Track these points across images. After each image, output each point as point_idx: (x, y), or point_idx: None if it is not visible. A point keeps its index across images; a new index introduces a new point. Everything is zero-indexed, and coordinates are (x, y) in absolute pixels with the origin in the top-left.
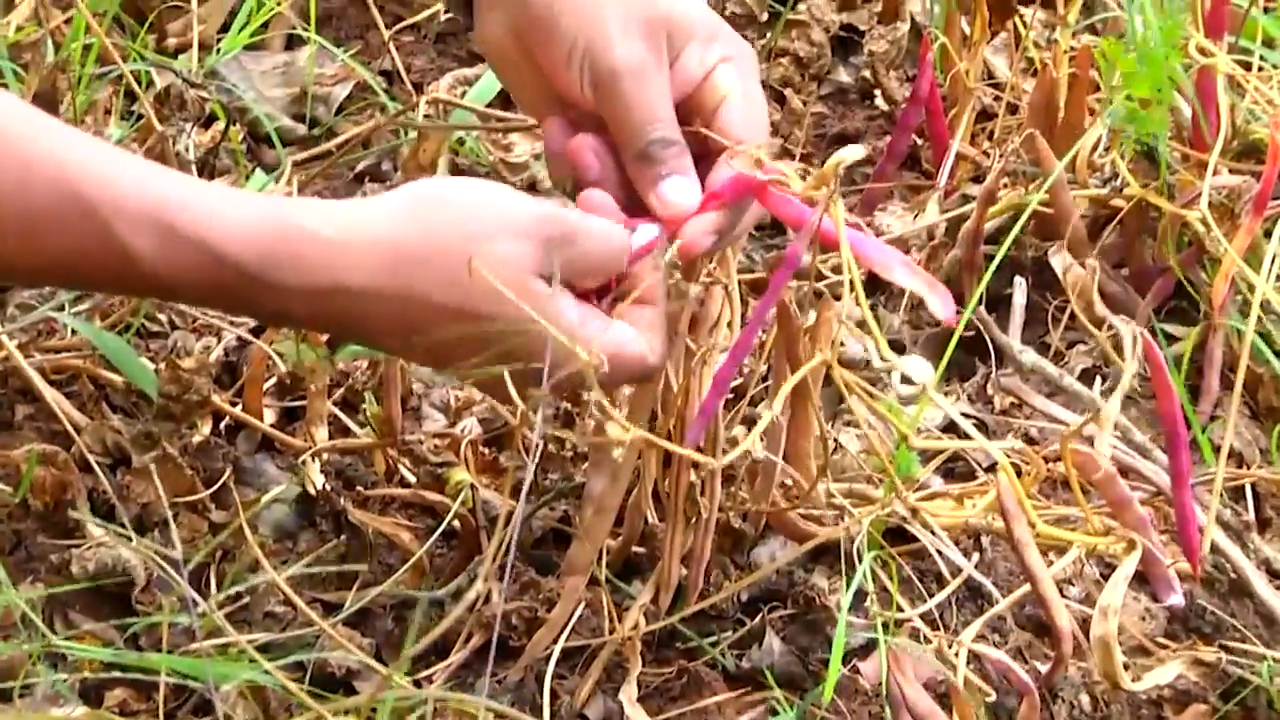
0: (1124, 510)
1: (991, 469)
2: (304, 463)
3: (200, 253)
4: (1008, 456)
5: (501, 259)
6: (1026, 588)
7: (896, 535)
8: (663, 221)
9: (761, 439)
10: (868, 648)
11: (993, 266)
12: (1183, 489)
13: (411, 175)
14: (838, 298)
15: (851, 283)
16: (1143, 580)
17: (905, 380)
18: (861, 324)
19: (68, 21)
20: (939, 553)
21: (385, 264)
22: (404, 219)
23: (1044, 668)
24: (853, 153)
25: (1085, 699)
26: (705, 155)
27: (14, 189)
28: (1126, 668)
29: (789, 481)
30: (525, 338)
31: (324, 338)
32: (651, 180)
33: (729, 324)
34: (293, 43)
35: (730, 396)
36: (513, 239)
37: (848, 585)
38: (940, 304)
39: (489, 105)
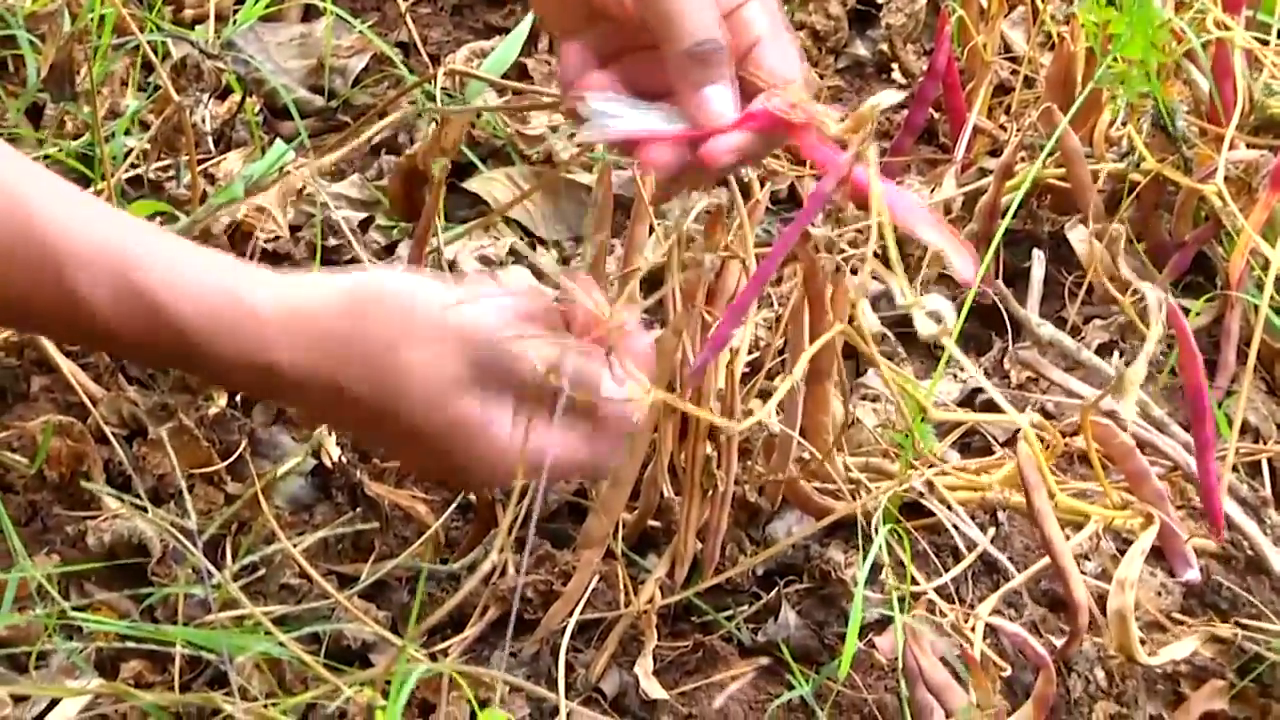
0: (1142, 484)
1: (1007, 444)
2: (320, 435)
3: (149, 314)
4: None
5: (425, 365)
6: (1043, 563)
7: (913, 510)
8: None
9: (779, 410)
10: (883, 622)
11: (997, 238)
12: (1207, 455)
13: (431, 156)
14: (854, 271)
15: (880, 228)
16: (1159, 556)
17: (931, 317)
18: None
19: None
20: (955, 527)
21: (315, 351)
22: (336, 310)
23: (1059, 642)
24: (889, 97)
25: (1100, 674)
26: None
27: None
28: (1143, 643)
29: (805, 456)
30: (448, 447)
31: None
32: (695, 84)
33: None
34: (309, 14)
35: (746, 370)
36: (441, 347)
37: (864, 560)
38: (963, 263)
39: (505, 77)
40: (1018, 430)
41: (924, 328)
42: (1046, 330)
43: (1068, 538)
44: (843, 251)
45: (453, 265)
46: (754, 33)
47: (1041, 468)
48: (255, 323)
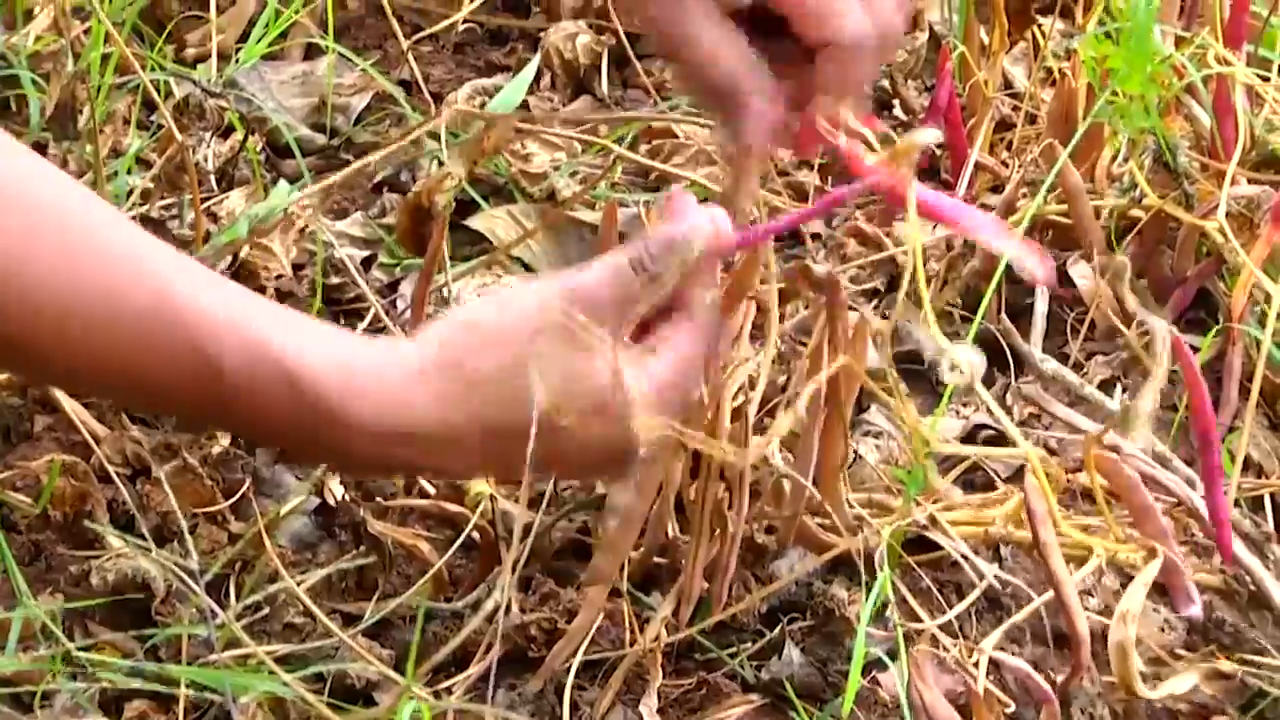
0: (1146, 519)
1: (1010, 480)
2: (323, 474)
3: (284, 378)
4: (1028, 463)
5: (534, 354)
6: (1046, 597)
7: (916, 545)
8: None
9: (789, 451)
10: (888, 658)
11: (998, 272)
12: (1215, 485)
13: (435, 190)
14: (853, 309)
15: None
16: (1162, 592)
17: (959, 368)
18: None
19: (86, 31)
20: (957, 563)
21: (435, 404)
22: (438, 355)
23: (1061, 679)
24: (928, 135)
25: (1102, 709)
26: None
27: (108, 293)
28: (1144, 678)
29: (810, 493)
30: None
31: None
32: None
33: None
34: (311, 52)
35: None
36: (538, 329)
37: (866, 596)
38: (1035, 266)
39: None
40: (1021, 467)
41: (950, 378)
42: (1050, 365)
43: (1071, 573)
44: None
45: (456, 302)
46: None
47: (1048, 496)
48: (381, 388)
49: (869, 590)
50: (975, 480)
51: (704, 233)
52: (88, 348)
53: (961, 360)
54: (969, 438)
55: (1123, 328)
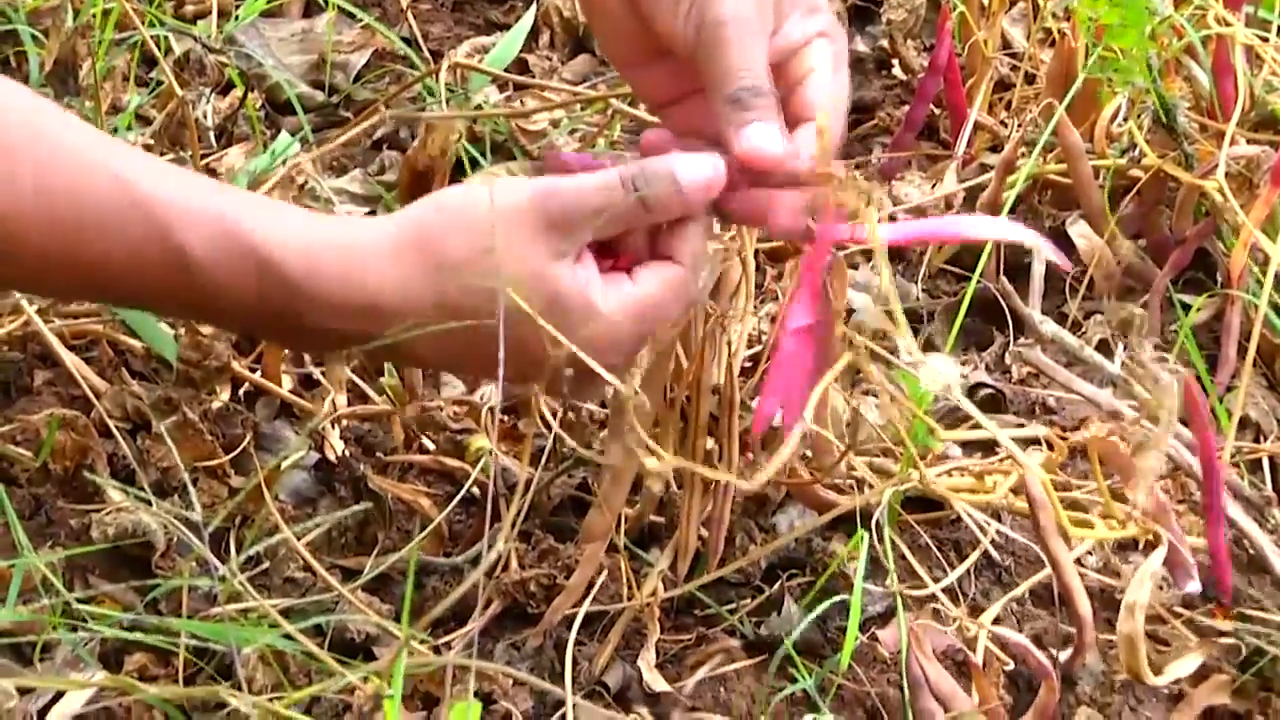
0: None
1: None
2: (323, 429)
3: (253, 259)
4: (1030, 441)
5: (512, 258)
6: (1047, 570)
7: (915, 503)
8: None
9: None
10: (886, 616)
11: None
12: (1216, 525)
13: (419, 159)
14: (853, 266)
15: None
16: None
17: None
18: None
19: None
20: (957, 521)
21: (402, 284)
22: (412, 237)
23: (1061, 652)
24: (947, 368)
25: (1102, 674)
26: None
27: (73, 190)
28: (1148, 636)
29: (808, 451)
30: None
31: None
32: (737, 124)
33: (745, 292)
34: (311, 9)
35: (747, 365)
36: (518, 232)
37: (862, 554)
38: (1049, 248)
39: (507, 71)
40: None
41: (930, 383)
42: (1049, 327)
43: (1071, 544)
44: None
45: None
46: (809, 64)
47: (1047, 486)
48: (350, 264)
49: (867, 548)
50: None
51: (701, 169)
52: (56, 241)
53: (937, 374)
54: (968, 396)
55: (1132, 368)
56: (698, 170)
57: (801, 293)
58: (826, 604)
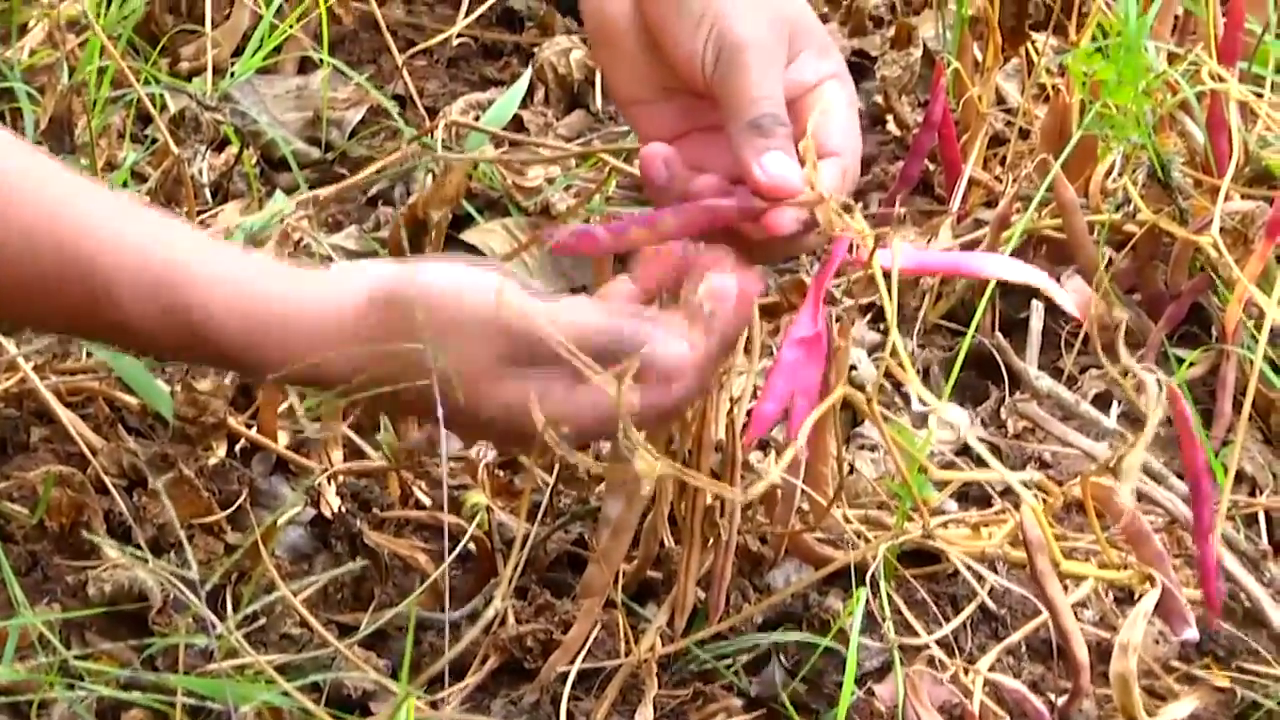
0: (1142, 545)
1: (1005, 493)
2: (319, 485)
3: (190, 332)
4: (1026, 486)
5: (465, 358)
6: (1043, 617)
7: (912, 557)
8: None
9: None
10: (883, 670)
11: (991, 287)
12: (1205, 542)
13: (432, 207)
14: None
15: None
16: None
17: (942, 424)
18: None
19: (81, 45)
20: (953, 576)
21: (348, 359)
22: (382, 308)
23: (1059, 700)
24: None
25: (1099, 717)
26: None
27: (19, 251)
28: (1146, 692)
29: (804, 505)
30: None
31: None
32: (757, 150)
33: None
34: (306, 66)
35: (745, 420)
36: (478, 339)
37: (858, 609)
38: (1066, 298)
39: (505, 129)
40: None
41: (943, 434)
42: (1044, 382)
43: (1067, 590)
44: (838, 303)
45: None
46: (824, 104)
47: (1045, 530)
48: (292, 334)
49: (864, 603)
50: (970, 493)
51: (677, 347)
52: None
53: (948, 419)
54: (965, 449)
55: (1118, 377)
56: (673, 346)
57: (807, 305)
58: (821, 658)
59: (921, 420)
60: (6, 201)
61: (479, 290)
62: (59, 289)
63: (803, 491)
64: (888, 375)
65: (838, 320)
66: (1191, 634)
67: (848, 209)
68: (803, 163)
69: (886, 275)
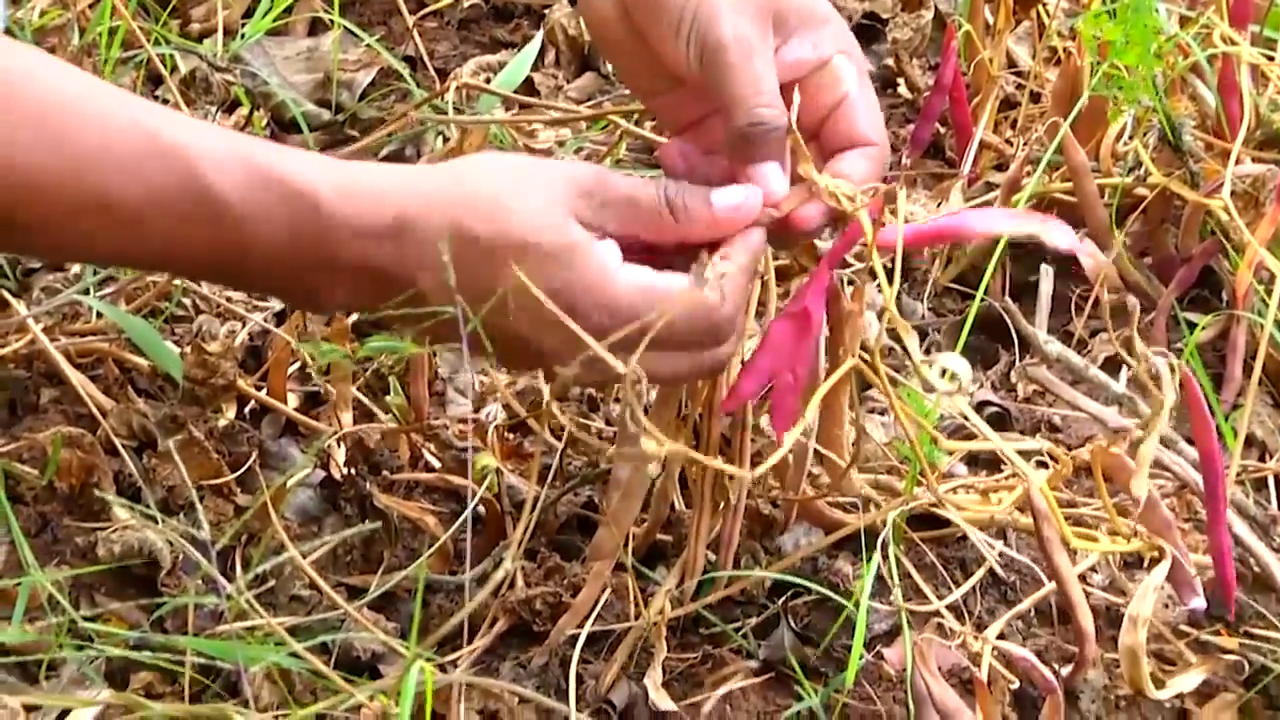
0: (1151, 513)
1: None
2: (328, 445)
3: (285, 191)
4: (1034, 453)
5: (539, 191)
6: (1052, 584)
7: (921, 522)
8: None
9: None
10: (892, 633)
11: (999, 250)
12: (1219, 526)
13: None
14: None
15: (885, 274)
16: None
17: (943, 376)
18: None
19: (92, 6)
20: (962, 539)
21: (429, 196)
22: (446, 171)
23: (1064, 668)
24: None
25: (1110, 699)
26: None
27: (99, 145)
28: (1154, 656)
29: (815, 470)
30: (565, 275)
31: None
32: (749, 160)
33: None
34: (316, 28)
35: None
36: (550, 181)
37: (868, 572)
38: (1060, 235)
39: (516, 92)
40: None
41: (945, 384)
42: (1054, 347)
43: (1076, 556)
44: (848, 265)
45: None
46: (841, 89)
47: (1051, 504)
48: (381, 185)
49: (874, 567)
50: (980, 458)
51: (734, 194)
52: (83, 198)
53: (948, 368)
54: (978, 408)
55: (1129, 358)
56: (731, 194)
57: (809, 284)
58: (830, 622)
59: (930, 384)
60: (104, 133)
61: (535, 158)
62: (139, 173)
63: (815, 456)
64: (899, 339)
65: (850, 284)
66: (1199, 603)
67: (890, 197)
68: (793, 156)
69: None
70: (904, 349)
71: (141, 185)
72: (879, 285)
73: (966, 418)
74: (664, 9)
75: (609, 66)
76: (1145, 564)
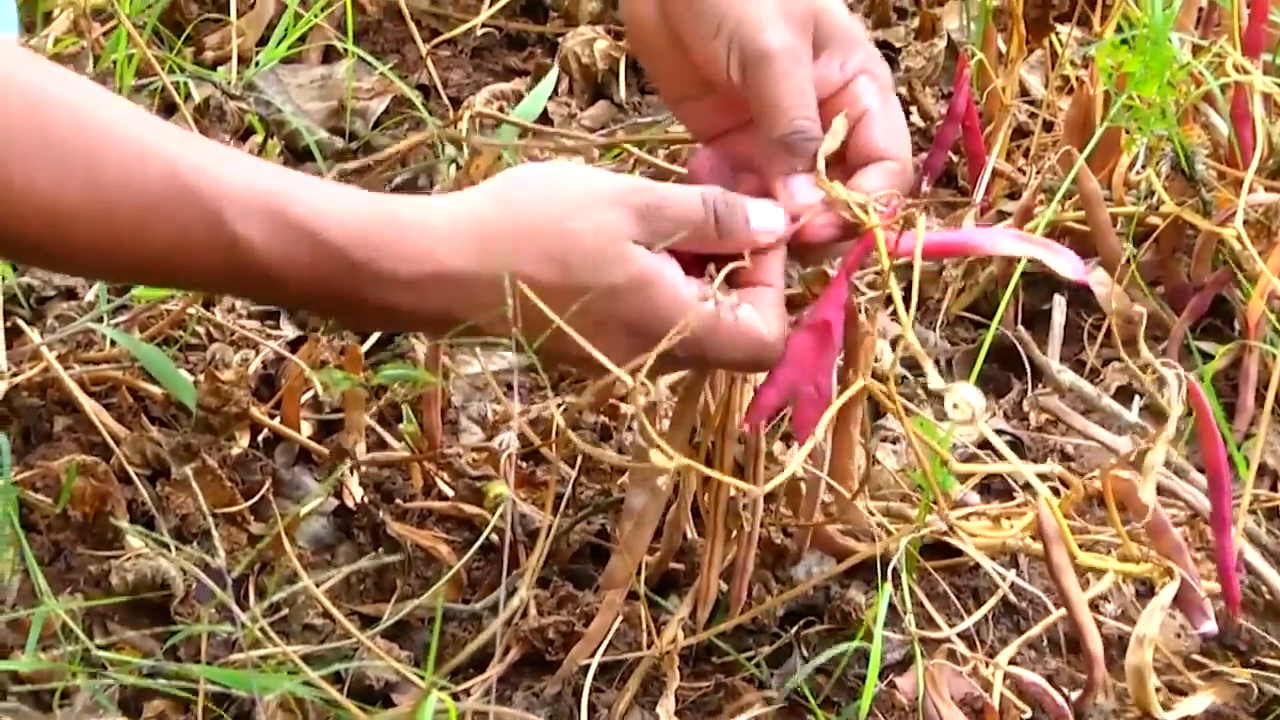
0: (1161, 537)
1: (1027, 487)
2: (342, 474)
3: (308, 241)
4: (1046, 479)
5: (595, 228)
6: (1064, 610)
7: (933, 550)
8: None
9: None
10: (904, 663)
11: (1015, 279)
12: (1225, 535)
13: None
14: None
15: (902, 298)
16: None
17: (956, 407)
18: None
19: (106, 34)
20: (974, 569)
21: (477, 248)
22: (490, 205)
23: (1076, 694)
24: (972, 396)
25: (1114, 709)
26: (837, 163)
27: (123, 181)
28: (1159, 690)
29: (827, 498)
30: (636, 304)
31: (364, 344)
32: (784, 169)
33: None
34: (330, 56)
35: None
36: (603, 208)
37: (881, 601)
38: (1065, 264)
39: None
40: (1039, 475)
41: (957, 414)
42: (1067, 376)
43: (1087, 583)
44: (861, 294)
45: None
46: (863, 104)
47: (1061, 526)
48: (416, 234)
49: (885, 595)
50: (993, 486)
51: (769, 218)
52: (106, 231)
53: (962, 399)
54: (987, 442)
55: (1139, 372)
56: (765, 218)
57: (827, 294)
58: (846, 651)
59: (945, 413)
60: (129, 165)
61: (579, 170)
62: (167, 217)
63: (826, 484)
64: (912, 368)
65: (864, 311)
66: (1210, 627)
67: (909, 222)
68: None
69: (906, 265)
70: (916, 376)
71: (164, 226)
72: (892, 311)
73: (979, 446)
74: (704, 14)
75: (622, 95)
76: (1157, 592)
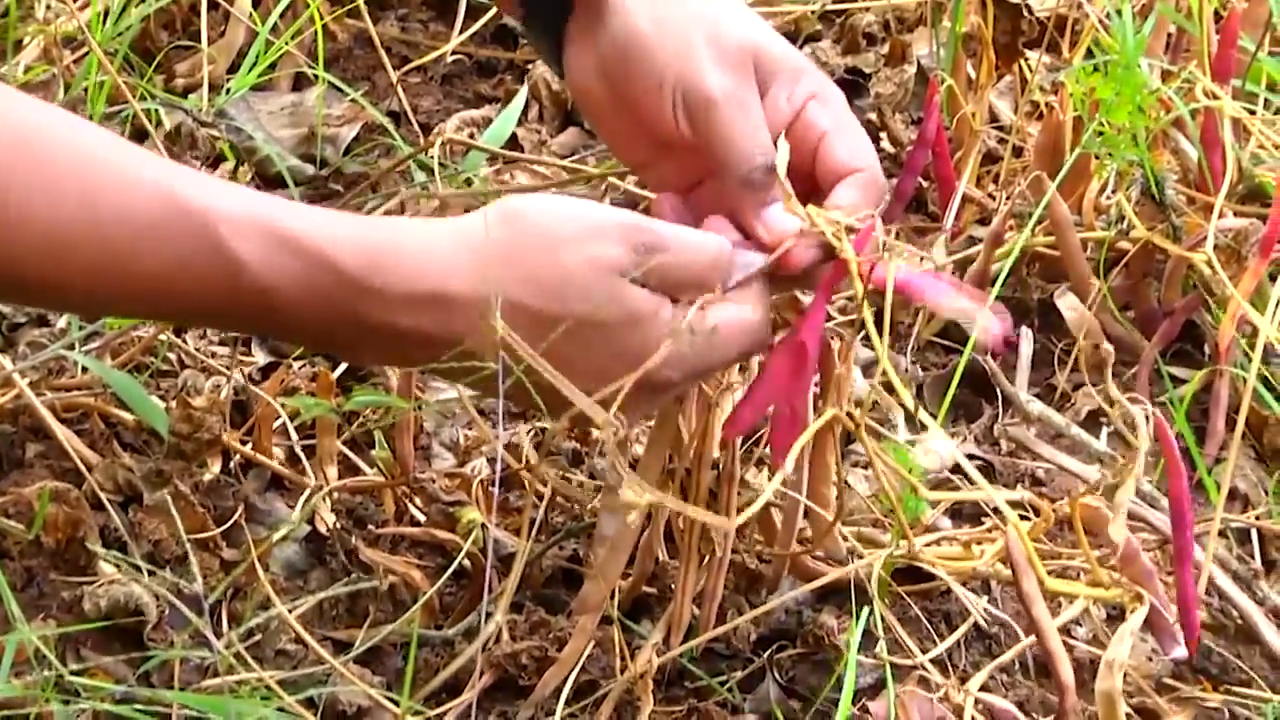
0: (1131, 563)
1: (999, 511)
2: (315, 501)
3: (306, 259)
4: (1016, 505)
5: (588, 260)
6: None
7: (906, 574)
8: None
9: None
10: (877, 687)
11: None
12: (1184, 568)
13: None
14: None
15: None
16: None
17: (927, 454)
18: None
19: (78, 61)
20: (946, 593)
21: (477, 272)
22: (492, 230)
23: (1047, 719)
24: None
25: None
26: (811, 190)
27: (120, 205)
28: (1136, 711)
29: (802, 523)
30: (630, 341)
31: (335, 371)
32: (756, 205)
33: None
34: (300, 83)
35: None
36: (599, 241)
37: (856, 625)
38: (991, 322)
39: (500, 147)
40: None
41: (927, 462)
42: (1035, 406)
43: (1058, 610)
44: (831, 319)
45: None
46: (819, 128)
47: (1030, 554)
48: (415, 253)
49: (859, 621)
50: (964, 510)
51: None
52: (105, 260)
53: (933, 450)
54: (957, 467)
55: (1107, 408)
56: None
57: (805, 317)
58: (816, 675)
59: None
60: (126, 192)
61: (577, 204)
62: (165, 240)
63: (809, 505)
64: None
65: (837, 340)
66: (1180, 652)
67: (885, 248)
68: (788, 199)
69: (880, 293)
70: (890, 395)
71: (163, 253)
72: (864, 337)
73: (951, 470)
74: (643, 72)
75: None
76: (1127, 617)
